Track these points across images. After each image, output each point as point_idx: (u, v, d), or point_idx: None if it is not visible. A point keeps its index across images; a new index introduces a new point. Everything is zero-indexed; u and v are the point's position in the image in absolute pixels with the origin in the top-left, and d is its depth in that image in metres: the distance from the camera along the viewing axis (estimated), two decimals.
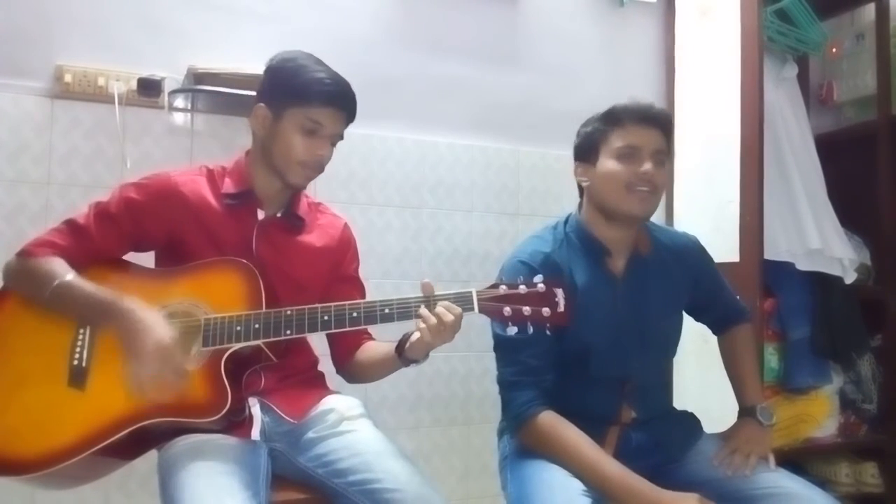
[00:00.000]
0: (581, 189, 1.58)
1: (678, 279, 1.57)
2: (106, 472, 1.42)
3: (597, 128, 1.52)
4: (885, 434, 2.50)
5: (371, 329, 1.56)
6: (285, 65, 1.44)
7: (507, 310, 1.30)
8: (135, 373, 1.24)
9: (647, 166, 1.45)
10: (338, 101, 1.43)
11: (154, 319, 1.27)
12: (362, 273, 1.63)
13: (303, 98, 1.40)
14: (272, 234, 1.48)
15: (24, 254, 1.35)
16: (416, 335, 1.32)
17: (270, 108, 1.43)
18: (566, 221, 1.58)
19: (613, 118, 1.49)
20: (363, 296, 1.57)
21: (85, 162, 1.92)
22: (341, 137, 1.48)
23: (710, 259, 1.67)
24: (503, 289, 1.32)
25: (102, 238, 1.39)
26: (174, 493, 1.19)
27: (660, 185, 1.48)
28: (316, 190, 1.64)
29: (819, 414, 2.43)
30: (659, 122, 1.49)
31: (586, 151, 1.53)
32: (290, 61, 1.44)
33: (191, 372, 1.27)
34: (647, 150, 1.46)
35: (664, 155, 1.49)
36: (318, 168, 1.46)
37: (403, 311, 1.32)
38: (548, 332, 1.40)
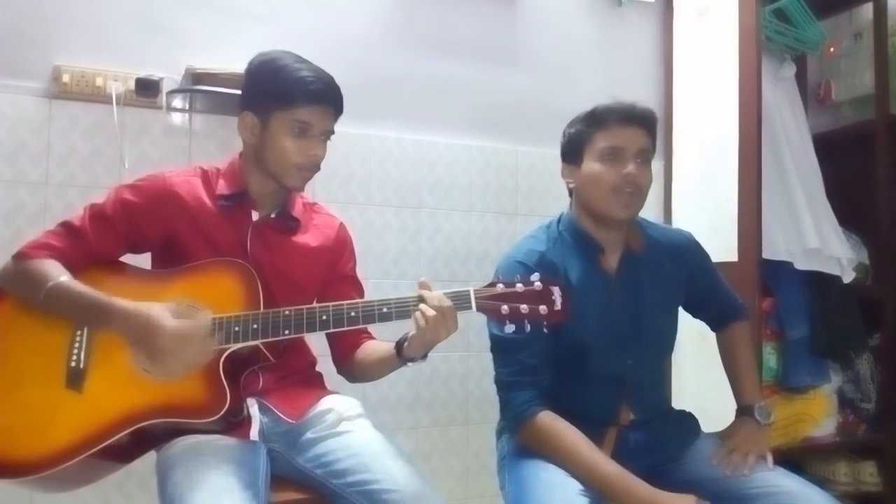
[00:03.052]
0: (570, 189, 1.58)
1: (673, 276, 1.57)
2: (104, 475, 1.42)
3: (580, 129, 1.51)
4: (883, 433, 2.50)
5: (371, 329, 1.55)
6: (265, 67, 1.41)
7: (504, 308, 1.30)
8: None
9: (631, 168, 1.45)
10: (323, 98, 1.40)
11: (158, 313, 1.28)
12: (361, 273, 1.62)
13: (287, 100, 1.37)
14: (266, 234, 1.47)
15: (20, 256, 1.35)
16: (414, 331, 1.32)
17: (257, 115, 1.41)
18: (559, 220, 1.58)
19: (596, 119, 1.49)
20: (361, 295, 1.57)
21: (83, 162, 1.92)
22: (332, 132, 1.46)
23: (706, 255, 1.67)
24: (500, 287, 1.32)
25: (98, 239, 1.39)
26: (173, 494, 1.19)
27: (644, 186, 1.48)
28: (315, 190, 1.65)
29: (817, 413, 2.43)
30: (642, 121, 1.49)
31: (571, 153, 1.53)
32: (269, 63, 1.41)
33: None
34: (631, 151, 1.46)
35: (648, 154, 1.50)
36: (314, 168, 1.45)
37: (402, 310, 1.31)
38: (545, 331, 1.40)
